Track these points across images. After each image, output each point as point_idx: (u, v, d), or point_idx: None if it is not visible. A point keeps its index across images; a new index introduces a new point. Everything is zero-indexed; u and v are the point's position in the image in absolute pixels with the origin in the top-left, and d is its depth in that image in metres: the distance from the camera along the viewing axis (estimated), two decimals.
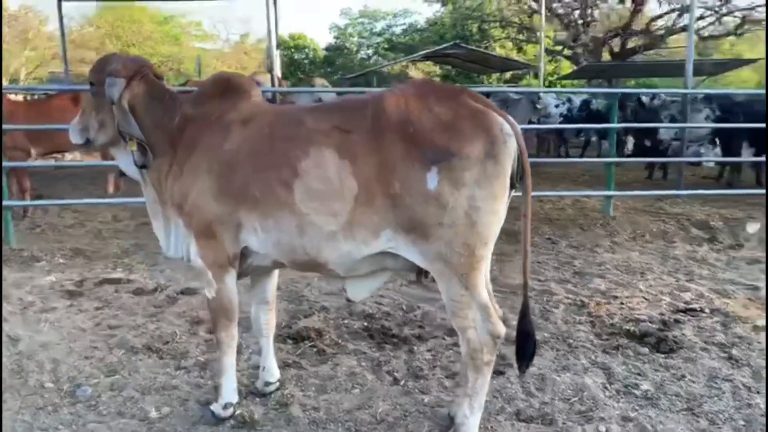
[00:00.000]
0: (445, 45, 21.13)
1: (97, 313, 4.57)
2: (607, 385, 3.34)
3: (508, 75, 30.19)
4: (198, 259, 2.89)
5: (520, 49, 33.81)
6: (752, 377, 3.44)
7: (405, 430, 2.97)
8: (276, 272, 3.29)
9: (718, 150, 10.76)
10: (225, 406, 3.03)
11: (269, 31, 8.49)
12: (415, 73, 40.80)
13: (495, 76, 29.58)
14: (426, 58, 24.33)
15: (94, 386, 3.43)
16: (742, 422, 2.98)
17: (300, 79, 41.34)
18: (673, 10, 20.86)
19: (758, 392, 3.26)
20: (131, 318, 4.46)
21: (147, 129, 3.01)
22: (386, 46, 44.01)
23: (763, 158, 9.45)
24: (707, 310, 4.43)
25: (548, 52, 28.09)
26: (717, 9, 20.58)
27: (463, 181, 2.45)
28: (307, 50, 46.04)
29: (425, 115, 2.49)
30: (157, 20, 36.19)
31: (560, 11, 24.11)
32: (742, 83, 31.26)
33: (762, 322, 4.21)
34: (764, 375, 3.45)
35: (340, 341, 4.00)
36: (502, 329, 2.63)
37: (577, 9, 22.75)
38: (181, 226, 2.95)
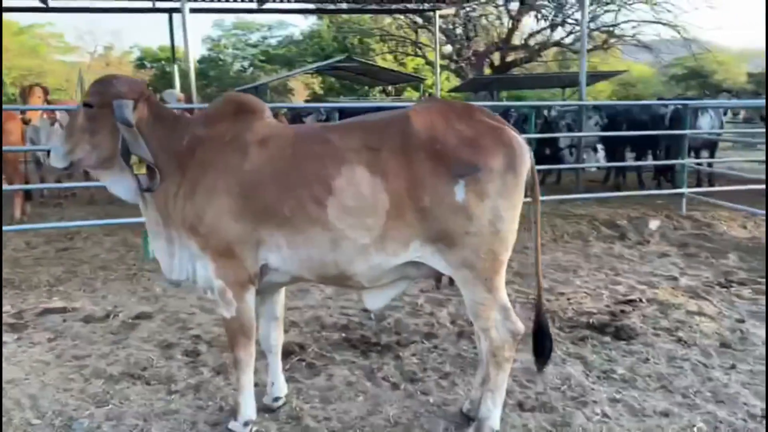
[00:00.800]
0: (338, 58, 21.42)
1: (53, 345, 4.35)
2: (587, 373, 3.69)
3: (390, 89, 31.04)
4: (217, 280, 2.90)
5: (401, 64, 34.81)
6: (703, 355, 3.92)
7: (421, 430, 3.13)
8: (283, 289, 3.34)
9: (600, 155, 11.85)
10: (245, 424, 3.05)
11: (185, 46, 8.30)
12: (295, 84, 40.87)
13: (377, 89, 30.34)
14: (317, 70, 24.46)
15: (89, 418, 3.31)
16: (708, 393, 3.41)
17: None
18: (550, 27, 22.38)
19: (713, 368, 3.73)
20: (93, 346, 4.29)
21: (153, 152, 2.98)
22: (262, 58, 43.70)
23: (643, 162, 10.50)
24: (644, 300, 4.94)
25: (433, 65, 29.30)
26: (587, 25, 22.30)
27: (488, 193, 2.67)
28: (178, 63, 44.85)
29: (450, 132, 2.69)
30: (12, 30, 33.63)
31: (443, 26, 25.19)
32: (598, 93, 34.10)
33: (694, 307, 4.76)
34: (712, 353, 3.95)
35: (324, 353, 4.09)
36: (521, 327, 2.87)
37: (460, 24, 23.84)
38: (192, 248, 2.95)
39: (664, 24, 22.52)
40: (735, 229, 7.76)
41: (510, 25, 23.34)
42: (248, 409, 3.07)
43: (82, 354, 4.16)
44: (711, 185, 10.48)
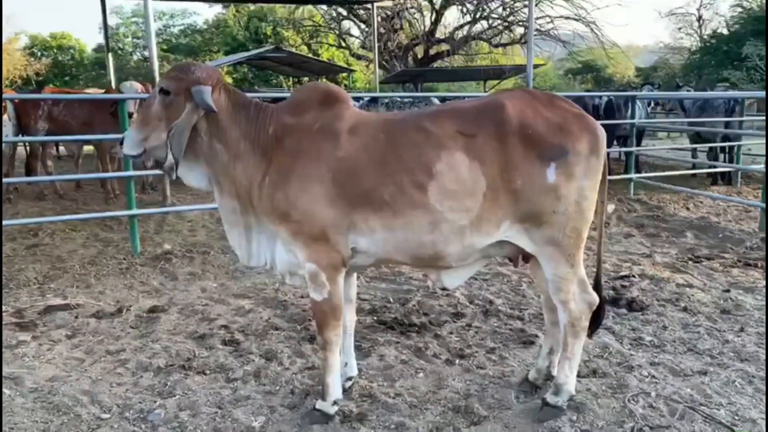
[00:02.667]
0: (265, 48, 21.13)
1: (76, 342, 4.23)
2: (621, 341, 4.01)
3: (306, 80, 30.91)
4: (310, 264, 2.97)
5: (316, 54, 34.76)
6: (709, 320, 4.35)
7: (494, 399, 3.33)
8: (357, 273, 3.44)
9: None
10: (333, 403, 3.14)
11: (147, 32, 8.03)
12: None
13: (292, 80, 30.07)
14: (244, 61, 24.00)
15: (161, 409, 3.29)
16: (732, 353, 3.81)
17: (66, 83, 38.25)
18: (471, 22, 23.02)
19: (724, 331, 4.15)
20: (122, 341, 4.20)
21: (233, 140, 3.01)
22: (165, 47, 42.35)
23: None
24: (636, 276, 5.37)
25: (357, 57, 29.44)
26: (505, 18, 23.16)
27: (575, 174, 2.90)
28: (72, 51, 42.73)
29: (539, 119, 2.90)
30: None
31: (366, 18, 25.35)
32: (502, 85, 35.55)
33: (681, 280, 5.22)
34: (717, 319, 4.38)
35: (366, 335, 4.21)
36: (596, 298, 3.13)
37: (384, 17, 24.08)
38: (282, 234, 3.00)
39: (577, 19, 23.66)
40: (681, 210, 8.44)
41: (433, 19, 23.82)
42: (336, 388, 3.16)
43: (115, 349, 4.07)
44: (638, 171, 11.27)
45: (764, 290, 4.94)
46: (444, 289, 3.29)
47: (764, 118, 16.26)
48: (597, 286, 3.26)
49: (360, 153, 2.91)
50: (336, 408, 3.16)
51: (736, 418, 3.08)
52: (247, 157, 3.02)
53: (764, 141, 11.08)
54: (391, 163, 2.88)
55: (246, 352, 3.98)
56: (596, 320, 3.26)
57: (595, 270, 3.35)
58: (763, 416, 3.08)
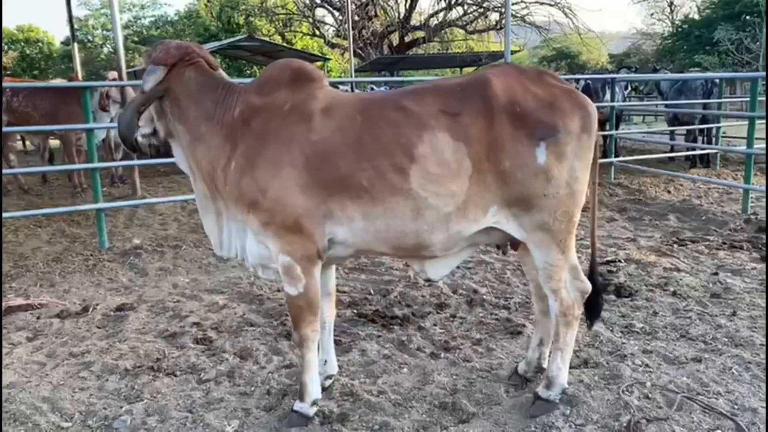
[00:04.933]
0: (238, 38, 20.71)
1: (37, 344, 3.98)
2: (612, 329, 3.86)
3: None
4: (284, 256, 2.76)
5: (289, 42, 34.27)
6: (699, 305, 4.22)
7: (482, 394, 3.15)
8: (335, 264, 3.23)
9: None
10: (312, 403, 2.94)
11: (113, 22, 7.69)
12: None
13: (257, 68, 29.53)
14: (216, 50, 23.50)
15: (127, 415, 3.06)
16: (726, 339, 3.67)
17: (35, 76, 37.42)
18: (446, 8, 22.79)
19: (716, 315, 4.02)
20: (87, 343, 3.96)
21: (193, 120, 2.83)
22: (136, 39, 41.58)
23: None
24: (622, 261, 5.23)
25: (331, 45, 29.06)
26: (480, 3, 22.97)
27: (566, 154, 2.71)
28: (40, 44, 41.83)
29: (528, 95, 2.70)
30: None
31: (339, 5, 25.01)
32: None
33: (668, 264, 5.10)
34: (707, 303, 4.26)
35: (346, 330, 4.01)
36: (589, 286, 2.95)
37: (358, 4, 23.77)
38: (252, 224, 2.78)
39: (552, 5, 23.57)
40: (662, 193, 8.36)
41: (408, 5, 23.55)
42: (315, 388, 2.95)
43: (79, 351, 3.83)
44: (617, 155, 11.18)
45: (753, 272, 4.83)
46: (429, 280, 3.10)
47: (739, 100, 16.34)
48: (592, 273, 3.10)
49: (335, 135, 2.70)
50: (315, 409, 2.96)
51: (736, 407, 2.94)
52: (210, 140, 2.83)
53: (740, 123, 11.09)
54: (369, 145, 2.67)
55: (219, 351, 3.76)
56: (595, 309, 3.10)
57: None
58: (764, 404, 2.94)
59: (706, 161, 10.57)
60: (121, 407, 3.14)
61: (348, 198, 2.70)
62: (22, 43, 40.97)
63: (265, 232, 2.76)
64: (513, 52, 24.27)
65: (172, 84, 2.83)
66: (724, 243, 5.75)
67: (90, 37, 42.43)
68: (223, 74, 3.00)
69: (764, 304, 4.15)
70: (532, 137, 2.67)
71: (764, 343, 3.57)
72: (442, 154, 2.64)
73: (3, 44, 39.42)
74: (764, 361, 3.36)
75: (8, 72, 35.98)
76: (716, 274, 4.85)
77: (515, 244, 3.02)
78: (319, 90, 2.82)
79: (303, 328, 2.87)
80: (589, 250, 3.21)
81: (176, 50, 2.84)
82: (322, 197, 2.71)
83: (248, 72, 32.32)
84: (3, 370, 3.60)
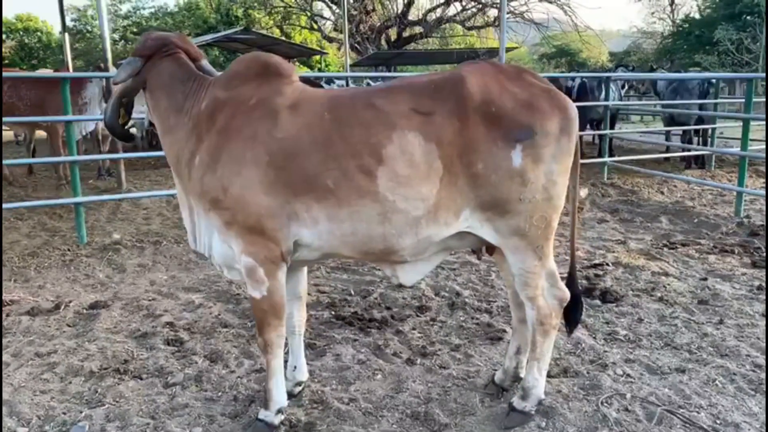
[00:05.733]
0: (234, 30, 20.55)
1: (3, 343, 3.85)
2: (594, 336, 3.75)
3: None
4: (246, 257, 2.64)
5: (287, 35, 34.09)
6: (686, 312, 4.10)
7: (456, 404, 3.04)
8: (306, 267, 3.12)
9: None
10: (278, 412, 2.82)
11: (100, 17, 7.55)
12: None
13: None
14: (212, 42, 23.35)
15: (87, 420, 2.94)
16: (711, 348, 3.56)
17: (33, 66, 37.23)
18: (444, 3, 22.61)
19: (703, 323, 3.91)
20: (53, 342, 3.84)
21: (163, 111, 2.76)
22: (135, 30, 41.40)
23: None
24: (609, 264, 5.12)
25: (329, 39, 28.89)
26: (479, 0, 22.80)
27: (543, 157, 2.58)
28: (39, 34, 41.65)
29: (505, 95, 2.57)
30: None
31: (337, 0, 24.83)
32: None
33: (656, 268, 4.99)
34: (695, 310, 4.15)
35: (321, 333, 3.90)
36: (567, 294, 2.83)
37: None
38: (215, 222, 2.67)
39: (551, 2, 23.40)
40: (656, 194, 8.24)
41: (406, 1, 23.36)
42: (280, 395, 2.83)
43: (45, 351, 3.71)
44: (612, 155, 11.06)
45: (743, 278, 4.72)
46: (400, 285, 2.98)
47: (736, 100, 16.23)
48: (571, 280, 2.98)
49: (301, 133, 2.57)
50: (281, 417, 2.84)
51: (718, 421, 2.83)
52: (177, 132, 2.77)
53: (737, 124, 10.96)
54: (336, 145, 2.54)
55: (189, 353, 3.65)
56: (573, 316, 2.98)
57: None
58: (747, 419, 2.83)
59: (701, 162, 10.46)
60: (81, 412, 3.03)
61: (313, 199, 2.58)
62: (21, 33, 40.77)
63: (228, 231, 2.65)
64: (511, 49, 24.18)
65: (147, 75, 2.79)
66: (715, 247, 5.64)
67: (89, 28, 42.23)
68: (207, 65, 2.91)
69: (752, 312, 4.04)
70: (508, 139, 2.55)
71: (750, 354, 3.46)
72: (411, 156, 2.51)
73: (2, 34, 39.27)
74: (750, 373, 3.25)
75: (6, 61, 35.81)
76: (705, 279, 4.73)
77: (491, 248, 2.90)
78: (287, 86, 2.70)
79: (267, 332, 2.75)
80: (578, 252, 3.09)
81: (153, 41, 2.81)
82: (287, 197, 2.58)
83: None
84: None
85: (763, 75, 14.82)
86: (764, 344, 3.56)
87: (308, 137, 2.57)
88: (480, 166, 2.56)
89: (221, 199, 2.60)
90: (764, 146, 7.20)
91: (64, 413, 3.02)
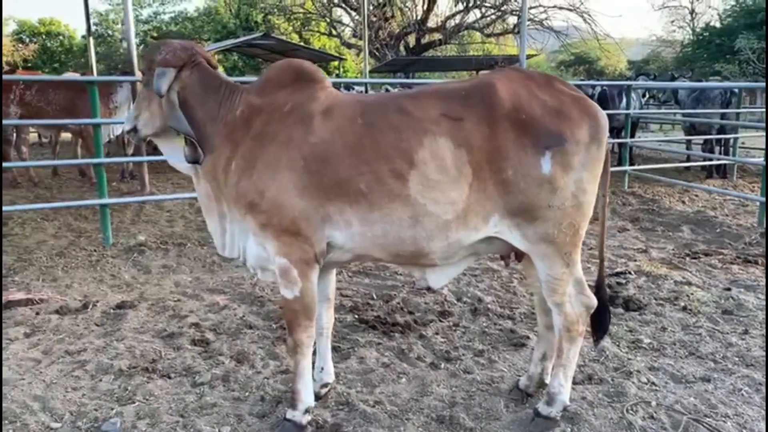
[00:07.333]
0: (254, 35, 20.71)
1: (34, 340, 3.93)
2: (618, 344, 3.76)
3: None
4: (280, 258, 2.69)
5: (306, 41, 34.25)
6: (710, 321, 4.10)
7: (481, 409, 3.06)
8: (335, 269, 3.16)
9: None
10: (305, 412, 2.86)
11: (126, 17, 7.68)
12: None
13: None
14: (232, 47, 23.56)
15: (118, 418, 3.00)
16: (736, 358, 3.56)
17: (55, 69, 37.72)
18: (464, 10, 22.65)
19: (727, 333, 3.90)
20: (83, 340, 3.91)
21: (199, 122, 2.77)
22: (155, 34, 41.80)
23: None
24: (632, 272, 5.11)
25: (348, 45, 29.03)
26: (498, 7, 22.82)
27: (573, 165, 2.62)
28: (61, 37, 42.22)
29: (534, 102, 2.61)
30: None
31: (357, 5, 24.93)
32: None
33: (679, 277, 4.97)
34: (719, 319, 4.14)
35: (345, 336, 3.93)
36: (594, 301, 2.85)
37: (375, 5, 23.70)
38: (250, 225, 2.72)
39: (571, 9, 23.36)
40: (677, 203, 8.20)
41: (426, 7, 23.43)
42: (308, 395, 2.88)
43: (75, 349, 3.78)
44: (632, 163, 11.01)
45: (766, 288, 4.70)
46: (429, 288, 3.02)
47: (758, 110, 16.09)
48: (599, 288, 2.99)
49: (335, 138, 2.63)
50: (309, 417, 2.88)
51: (744, 431, 2.83)
52: (212, 140, 2.77)
53: (759, 134, 10.88)
54: (368, 149, 2.59)
55: (216, 354, 3.70)
56: (601, 325, 3.00)
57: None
58: None
59: (722, 172, 10.39)
60: (113, 409, 3.08)
61: (346, 202, 2.63)
62: (44, 36, 41.36)
63: (263, 233, 2.70)
64: (529, 56, 24.15)
65: (181, 85, 2.80)
66: (738, 257, 5.61)
67: (110, 32, 42.76)
68: (222, 74, 2.96)
69: None
70: (537, 146, 2.58)
71: None
72: (442, 161, 2.56)
73: (25, 37, 39.83)
74: None
75: (29, 65, 36.32)
76: (729, 289, 4.71)
77: (519, 255, 2.93)
78: (321, 91, 2.75)
79: (298, 333, 2.80)
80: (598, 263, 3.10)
81: (183, 52, 2.81)
82: (321, 200, 2.64)
83: (264, 69, 32.35)
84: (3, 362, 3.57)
85: None
86: None
87: (341, 142, 2.62)
88: (509, 172, 2.59)
89: (258, 203, 2.65)
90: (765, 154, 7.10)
91: (96, 410, 3.08)
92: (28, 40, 39.97)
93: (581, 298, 2.83)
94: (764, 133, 7.15)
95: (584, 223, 2.72)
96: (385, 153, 2.58)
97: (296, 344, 2.82)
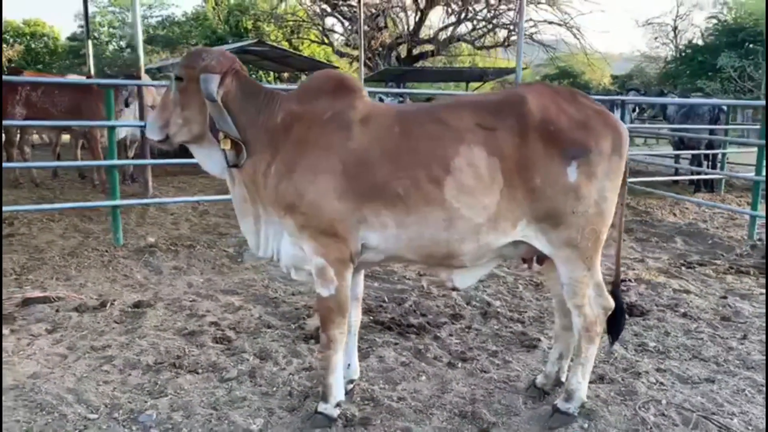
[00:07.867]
0: (248, 42, 20.84)
1: (57, 336, 4.02)
2: (626, 347, 3.93)
3: (285, 76, 30.54)
4: (318, 258, 2.83)
5: (296, 48, 34.34)
6: (711, 327, 4.29)
7: (501, 405, 3.21)
8: (365, 270, 3.31)
9: None
10: (336, 405, 3.00)
11: (134, 19, 7.78)
12: None
13: (273, 75, 29.69)
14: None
15: (153, 410, 3.11)
16: (738, 361, 3.75)
17: (39, 70, 37.47)
18: (456, 23, 22.96)
19: (727, 338, 4.10)
20: (107, 337, 4.01)
21: (239, 127, 2.90)
22: (143, 38, 41.57)
23: None
24: (632, 280, 5.31)
25: (340, 54, 29.22)
26: (489, 20, 23.17)
27: (596, 174, 2.79)
28: (45, 39, 41.95)
29: (562, 115, 2.78)
30: None
31: (350, 15, 25.18)
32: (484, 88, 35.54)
33: (677, 286, 5.18)
34: (718, 325, 4.34)
35: (363, 336, 4.06)
36: (612, 303, 3.02)
37: (368, 15, 23.92)
38: (288, 226, 2.86)
39: (561, 24, 23.77)
40: (668, 215, 8.45)
41: (418, 18, 23.73)
42: (339, 390, 3.01)
43: (99, 345, 3.88)
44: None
45: (761, 298, 4.91)
46: (455, 288, 3.16)
47: (740, 127, 16.50)
48: (615, 291, 3.16)
49: (373, 145, 2.78)
50: (339, 411, 3.02)
51: (750, 427, 3.01)
52: (252, 145, 2.90)
53: (742, 150, 11.21)
54: (406, 156, 2.75)
55: (239, 351, 3.81)
56: (617, 326, 3.17)
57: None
58: None
59: (710, 186, 10.69)
60: (146, 402, 3.19)
61: (383, 205, 2.78)
62: (28, 37, 41.06)
63: (301, 234, 2.84)
64: (513, 70, 24.48)
65: (222, 91, 2.89)
66: (731, 267, 5.83)
67: (96, 34, 42.51)
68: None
69: None
70: (564, 156, 2.75)
71: None
72: (476, 168, 2.72)
73: (9, 38, 39.53)
74: None
75: (13, 65, 36.04)
76: (725, 297, 4.92)
77: (541, 259, 3.10)
78: (359, 100, 2.90)
79: (332, 329, 2.94)
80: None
81: (225, 59, 2.92)
82: (358, 203, 2.78)
83: (254, 76, 32.35)
84: (25, 360, 3.66)
85: None
86: None
87: (379, 148, 2.77)
88: (538, 180, 2.76)
89: (297, 205, 2.79)
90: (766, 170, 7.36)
91: (129, 402, 3.18)
92: (12, 41, 39.66)
93: (600, 301, 2.99)
94: (748, 149, 7.42)
95: (605, 229, 2.89)
96: (423, 159, 2.74)
97: (330, 340, 2.95)
